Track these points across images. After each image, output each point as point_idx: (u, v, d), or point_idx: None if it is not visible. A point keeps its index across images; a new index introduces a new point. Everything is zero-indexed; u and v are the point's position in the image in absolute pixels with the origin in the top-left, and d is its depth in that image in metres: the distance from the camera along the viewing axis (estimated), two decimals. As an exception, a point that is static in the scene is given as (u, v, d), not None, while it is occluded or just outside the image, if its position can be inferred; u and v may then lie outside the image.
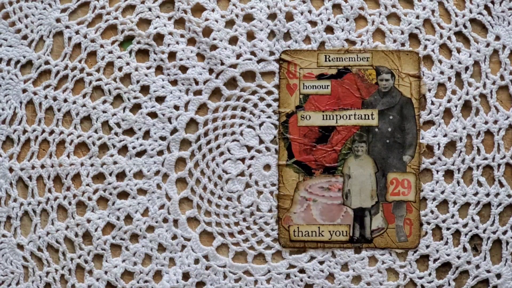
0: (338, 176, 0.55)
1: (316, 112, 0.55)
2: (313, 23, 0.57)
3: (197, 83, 0.57)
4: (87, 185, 0.57)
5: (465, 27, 0.56)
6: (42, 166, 0.57)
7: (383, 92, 0.55)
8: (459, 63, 0.56)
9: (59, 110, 0.57)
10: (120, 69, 0.57)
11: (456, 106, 0.56)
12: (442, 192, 0.56)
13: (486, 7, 0.56)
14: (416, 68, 0.55)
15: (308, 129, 0.55)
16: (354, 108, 0.55)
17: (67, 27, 0.57)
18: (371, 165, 0.55)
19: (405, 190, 0.55)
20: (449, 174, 0.56)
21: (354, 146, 0.55)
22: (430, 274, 0.56)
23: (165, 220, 0.57)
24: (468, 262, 0.56)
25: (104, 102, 0.57)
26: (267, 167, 0.57)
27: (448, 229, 0.56)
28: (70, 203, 0.57)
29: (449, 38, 0.56)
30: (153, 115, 0.57)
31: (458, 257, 0.56)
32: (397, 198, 0.55)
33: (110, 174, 0.57)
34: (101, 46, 0.57)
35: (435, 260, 0.56)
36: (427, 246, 0.56)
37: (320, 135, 0.55)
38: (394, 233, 0.55)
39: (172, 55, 0.57)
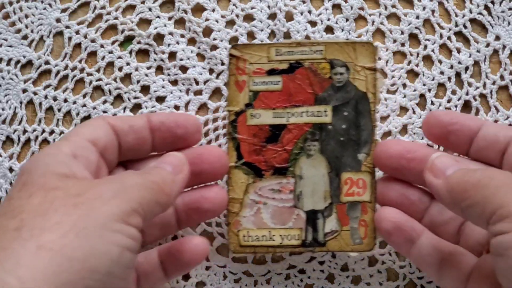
0: (290, 177, 0.52)
1: (266, 110, 0.52)
2: (313, 23, 0.57)
3: (197, 83, 0.57)
4: (87, 185, 0.57)
5: (465, 27, 0.56)
6: (42, 166, 0.57)
7: (337, 86, 0.52)
8: (459, 63, 0.56)
9: (59, 110, 0.57)
10: (120, 69, 0.57)
11: (456, 106, 0.56)
12: (442, 192, 0.56)
13: (486, 7, 0.56)
14: (372, 60, 0.52)
15: (258, 128, 0.52)
16: (306, 104, 0.52)
17: (67, 27, 0.57)
18: (324, 164, 0.52)
19: (360, 190, 0.52)
20: (449, 174, 0.56)
21: (306, 145, 0.52)
22: (430, 274, 0.56)
23: (165, 220, 0.57)
24: (468, 262, 0.55)
25: (105, 102, 0.57)
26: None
27: (448, 229, 0.56)
28: (70, 203, 0.57)
29: (449, 38, 0.56)
30: (153, 115, 0.57)
31: (458, 257, 0.55)
32: (351, 198, 0.52)
33: (110, 174, 0.57)
34: (101, 46, 0.57)
35: (435, 260, 0.56)
36: (427, 246, 0.55)
37: (271, 134, 0.52)
38: (349, 235, 0.52)
39: (172, 55, 0.57)
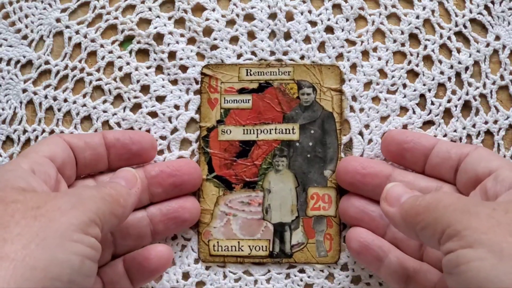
0: (258, 191, 0.55)
1: (237, 126, 0.55)
2: (313, 23, 0.57)
3: (197, 82, 0.57)
4: (87, 185, 0.57)
5: (465, 27, 0.56)
6: (42, 166, 0.57)
7: (305, 106, 0.55)
8: (459, 63, 0.56)
9: (59, 110, 0.57)
10: (120, 69, 0.57)
11: (456, 106, 0.56)
12: (442, 192, 0.56)
13: (486, 7, 0.56)
14: (337, 82, 0.55)
15: (229, 144, 0.55)
16: (275, 122, 0.55)
17: (67, 27, 0.57)
18: (292, 179, 0.55)
19: (325, 205, 0.55)
20: (449, 174, 0.56)
21: (274, 161, 0.55)
22: (430, 274, 0.56)
23: (165, 220, 0.57)
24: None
25: (105, 102, 0.57)
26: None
27: (448, 229, 0.56)
28: (70, 203, 0.57)
29: (449, 38, 0.56)
30: (153, 114, 0.57)
31: (458, 257, 0.55)
32: (317, 213, 0.55)
33: (110, 174, 0.57)
34: (101, 46, 0.57)
35: (435, 260, 0.56)
36: (427, 246, 0.56)
37: (241, 149, 0.55)
38: (314, 248, 0.55)
39: (172, 55, 0.57)
